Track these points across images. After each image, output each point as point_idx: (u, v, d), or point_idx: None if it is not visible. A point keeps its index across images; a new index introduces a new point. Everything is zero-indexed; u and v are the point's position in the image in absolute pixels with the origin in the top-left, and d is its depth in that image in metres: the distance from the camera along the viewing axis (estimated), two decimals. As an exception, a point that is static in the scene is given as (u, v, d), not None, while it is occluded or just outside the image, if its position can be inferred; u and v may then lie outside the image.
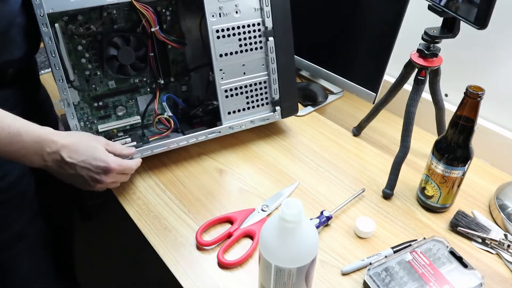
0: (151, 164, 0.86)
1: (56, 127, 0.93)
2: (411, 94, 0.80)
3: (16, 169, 0.73)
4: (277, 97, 0.90)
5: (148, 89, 0.90)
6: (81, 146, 0.68)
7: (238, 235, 0.72)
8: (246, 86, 0.87)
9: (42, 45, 0.75)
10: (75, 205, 1.08)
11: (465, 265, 0.65)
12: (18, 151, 0.62)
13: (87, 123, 0.87)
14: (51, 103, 0.94)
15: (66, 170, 0.67)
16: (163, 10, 0.85)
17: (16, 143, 0.62)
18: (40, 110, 0.87)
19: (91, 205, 1.76)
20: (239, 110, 0.88)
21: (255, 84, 0.88)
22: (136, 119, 0.91)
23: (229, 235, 0.72)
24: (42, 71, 1.20)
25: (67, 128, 0.80)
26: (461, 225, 0.74)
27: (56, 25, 0.75)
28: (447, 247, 0.67)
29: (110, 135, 0.88)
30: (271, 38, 0.85)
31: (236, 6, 0.81)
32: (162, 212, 0.77)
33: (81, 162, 0.67)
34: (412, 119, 0.80)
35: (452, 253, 0.66)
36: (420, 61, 0.78)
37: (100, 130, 0.87)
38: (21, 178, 0.74)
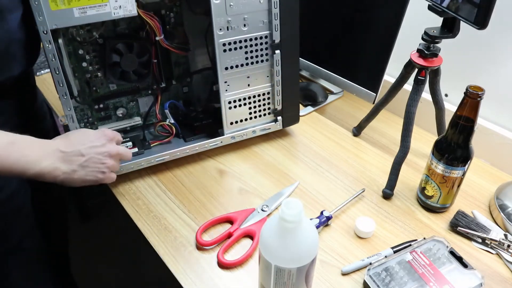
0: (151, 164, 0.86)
1: (52, 131, 0.93)
2: (411, 94, 0.80)
3: (13, 182, 0.72)
4: (279, 107, 0.90)
5: (150, 91, 0.90)
6: (72, 136, 0.69)
7: (238, 235, 0.72)
8: (249, 98, 0.87)
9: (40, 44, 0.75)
10: (68, 211, 1.07)
11: (465, 265, 0.65)
12: (19, 160, 0.60)
13: (87, 124, 0.86)
14: (48, 107, 0.93)
15: (76, 161, 0.66)
16: (167, 12, 0.84)
17: (13, 152, 0.60)
18: (37, 117, 0.87)
19: (91, 206, 1.76)
20: (241, 120, 0.89)
21: (259, 95, 0.88)
22: (137, 120, 0.91)
23: (229, 235, 0.72)
24: (42, 71, 1.20)
25: None
26: (461, 225, 0.74)
27: (60, 40, 0.73)
28: (447, 247, 0.67)
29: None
30: (277, 51, 0.84)
31: (244, 19, 0.79)
32: (162, 212, 0.77)
33: (82, 146, 0.67)
34: (412, 119, 0.80)
35: (452, 253, 0.66)
36: (420, 61, 0.78)
37: (100, 131, 0.87)
38: (18, 190, 0.74)
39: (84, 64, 0.81)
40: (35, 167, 0.62)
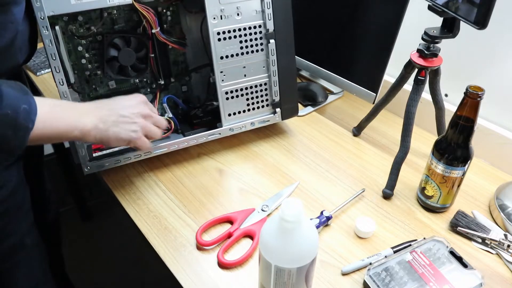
0: (151, 164, 0.86)
1: None
2: (411, 94, 0.80)
3: (13, 179, 0.72)
4: (277, 99, 0.90)
5: (149, 89, 0.90)
6: (106, 100, 0.73)
7: (238, 235, 0.72)
8: (246, 88, 0.87)
9: (41, 45, 0.75)
10: (60, 210, 1.08)
11: (465, 265, 0.65)
12: (63, 119, 0.64)
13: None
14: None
15: (110, 118, 0.69)
16: (164, 11, 0.84)
17: (59, 113, 0.64)
18: None
19: (91, 205, 1.76)
20: (239, 112, 0.88)
21: (256, 86, 0.88)
22: (136, 119, 0.90)
23: (229, 235, 0.72)
24: (42, 71, 1.20)
25: None
26: (461, 225, 0.74)
27: (57, 27, 0.74)
28: (447, 247, 0.67)
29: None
30: (272, 41, 0.84)
31: (237, 8, 0.80)
32: (162, 212, 0.77)
33: (115, 105, 0.71)
34: (412, 119, 0.80)
35: (452, 253, 0.66)
36: (420, 61, 0.78)
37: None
38: (17, 188, 0.74)
39: (84, 61, 0.82)
40: (78, 125, 0.66)
